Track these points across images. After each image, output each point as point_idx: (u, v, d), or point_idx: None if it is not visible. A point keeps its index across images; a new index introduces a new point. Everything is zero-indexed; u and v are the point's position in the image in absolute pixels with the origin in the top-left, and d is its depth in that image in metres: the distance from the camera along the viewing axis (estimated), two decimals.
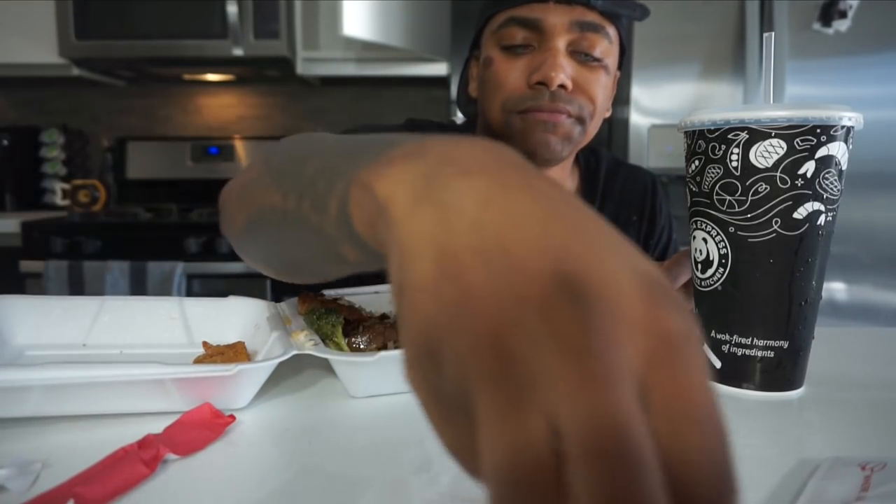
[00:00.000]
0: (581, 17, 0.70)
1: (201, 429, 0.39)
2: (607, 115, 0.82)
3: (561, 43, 0.71)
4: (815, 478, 0.34)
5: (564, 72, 0.70)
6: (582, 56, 0.72)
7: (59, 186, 2.37)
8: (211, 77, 2.49)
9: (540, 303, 0.16)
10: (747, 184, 0.45)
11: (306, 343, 0.47)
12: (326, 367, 0.52)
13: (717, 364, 0.49)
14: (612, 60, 0.74)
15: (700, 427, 0.16)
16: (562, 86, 0.70)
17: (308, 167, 0.33)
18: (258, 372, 0.44)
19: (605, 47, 0.72)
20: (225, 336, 0.55)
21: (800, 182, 0.44)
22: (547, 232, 0.18)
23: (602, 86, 0.73)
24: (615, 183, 0.88)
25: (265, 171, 0.40)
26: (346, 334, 0.51)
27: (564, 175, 0.84)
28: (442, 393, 0.18)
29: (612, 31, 0.73)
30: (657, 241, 0.88)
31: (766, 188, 0.45)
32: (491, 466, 0.15)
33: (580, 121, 0.73)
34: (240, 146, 2.46)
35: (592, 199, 0.86)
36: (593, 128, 0.76)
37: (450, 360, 0.17)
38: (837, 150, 0.44)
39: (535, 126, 0.72)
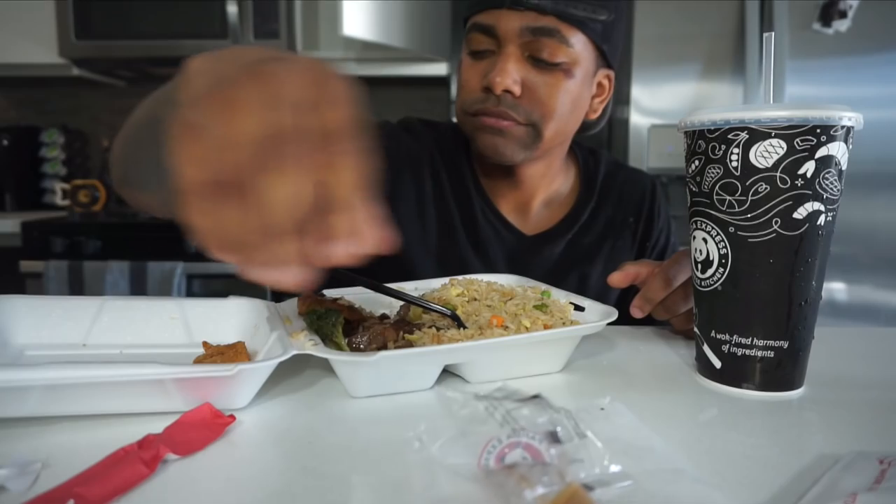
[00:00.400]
0: (533, 23, 0.71)
1: (201, 429, 0.39)
2: (593, 115, 0.82)
3: (513, 48, 0.72)
4: (833, 469, 0.34)
5: (511, 77, 0.71)
6: (538, 61, 0.72)
7: (59, 186, 2.37)
8: None
9: (245, 79, 0.26)
10: (747, 184, 0.45)
11: (306, 343, 0.47)
12: (326, 367, 0.52)
13: (718, 364, 0.49)
14: (580, 64, 0.74)
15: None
16: (508, 91, 0.72)
17: (159, 92, 0.44)
18: (258, 372, 0.44)
19: (566, 52, 0.72)
20: (225, 336, 0.55)
21: (800, 182, 0.44)
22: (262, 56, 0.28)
23: (562, 91, 0.73)
24: (614, 184, 0.89)
25: (139, 108, 0.48)
26: (346, 334, 0.51)
27: (552, 173, 0.85)
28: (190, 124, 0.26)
29: (574, 35, 0.72)
30: (654, 244, 0.88)
31: (766, 188, 0.45)
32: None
33: (532, 126, 0.74)
34: None
35: (589, 197, 0.87)
36: (553, 131, 0.75)
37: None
38: (837, 150, 0.44)
39: (481, 129, 0.75)
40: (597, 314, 0.56)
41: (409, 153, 0.82)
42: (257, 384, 0.45)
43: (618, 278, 0.61)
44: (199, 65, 0.31)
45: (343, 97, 0.28)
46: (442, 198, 0.82)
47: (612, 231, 0.86)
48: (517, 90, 0.72)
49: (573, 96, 0.75)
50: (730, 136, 0.46)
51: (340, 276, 0.58)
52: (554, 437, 0.32)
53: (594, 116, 0.82)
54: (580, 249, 0.84)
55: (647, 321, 0.86)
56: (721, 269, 0.48)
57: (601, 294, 0.84)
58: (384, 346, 0.50)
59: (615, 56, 0.79)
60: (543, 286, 0.62)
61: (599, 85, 0.80)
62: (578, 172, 0.89)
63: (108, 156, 0.56)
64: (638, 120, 1.87)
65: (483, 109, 0.73)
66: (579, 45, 0.73)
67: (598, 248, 0.85)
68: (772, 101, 0.48)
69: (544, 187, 0.85)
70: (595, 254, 0.85)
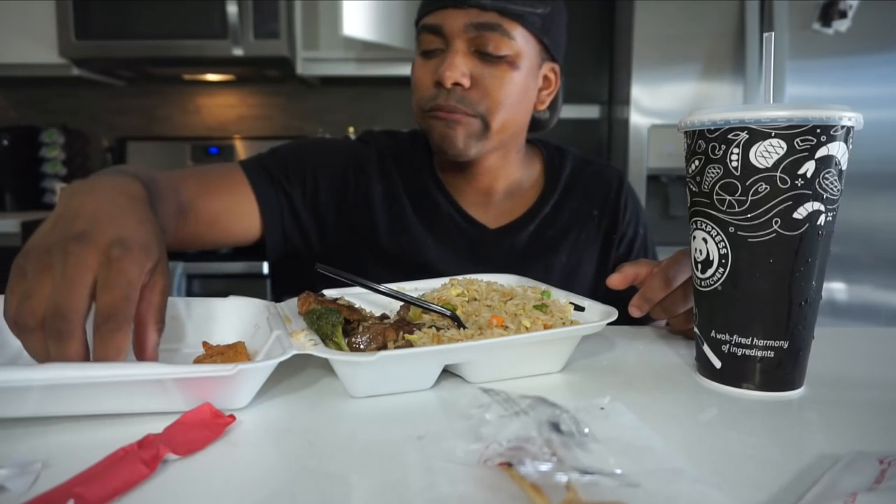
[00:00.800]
0: (476, 19, 0.76)
1: (201, 429, 0.39)
2: (541, 107, 0.86)
3: (459, 44, 0.77)
4: (833, 469, 0.34)
5: (459, 70, 0.76)
6: (484, 55, 0.77)
7: (59, 186, 2.37)
8: (211, 77, 2.49)
9: (66, 241, 0.41)
10: (747, 184, 0.45)
11: (306, 343, 0.47)
12: (326, 367, 0.52)
13: (718, 364, 0.49)
14: (525, 57, 0.79)
15: (100, 306, 0.39)
16: (458, 84, 0.77)
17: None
18: (258, 372, 0.44)
19: (509, 45, 0.77)
20: (225, 336, 0.55)
21: (800, 182, 0.44)
22: (77, 223, 0.43)
23: (508, 81, 0.78)
24: (580, 178, 0.93)
25: None
26: (346, 334, 0.51)
27: (509, 165, 0.88)
28: (21, 276, 0.41)
29: (515, 29, 0.77)
30: (621, 235, 0.91)
31: (766, 188, 0.45)
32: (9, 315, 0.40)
33: (479, 117, 0.78)
34: (240, 146, 2.46)
35: (552, 191, 0.91)
36: (501, 121, 0.80)
37: (32, 261, 0.41)
38: (837, 150, 0.44)
39: (437, 124, 0.79)
40: (597, 314, 0.56)
41: (358, 160, 0.88)
42: (257, 384, 0.45)
43: (616, 280, 0.62)
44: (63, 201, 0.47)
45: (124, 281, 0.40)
46: (394, 198, 0.87)
47: (576, 223, 0.90)
48: (466, 82, 0.77)
49: (519, 87, 0.80)
50: (730, 136, 0.46)
51: (337, 276, 0.58)
52: (556, 428, 0.32)
53: (542, 108, 0.87)
54: (544, 241, 0.88)
55: (646, 320, 0.87)
56: (721, 269, 0.48)
57: (566, 285, 0.86)
58: (384, 346, 0.49)
59: (558, 50, 0.84)
60: (543, 286, 0.62)
61: (546, 78, 0.85)
62: (543, 167, 0.93)
63: None
64: (638, 120, 1.87)
65: (436, 105, 0.78)
66: (521, 39, 0.78)
67: (562, 239, 0.89)
68: (772, 101, 0.48)
69: (503, 179, 0.89)
70: (559, 245, 0.88)
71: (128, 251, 0.41)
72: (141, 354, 0.44)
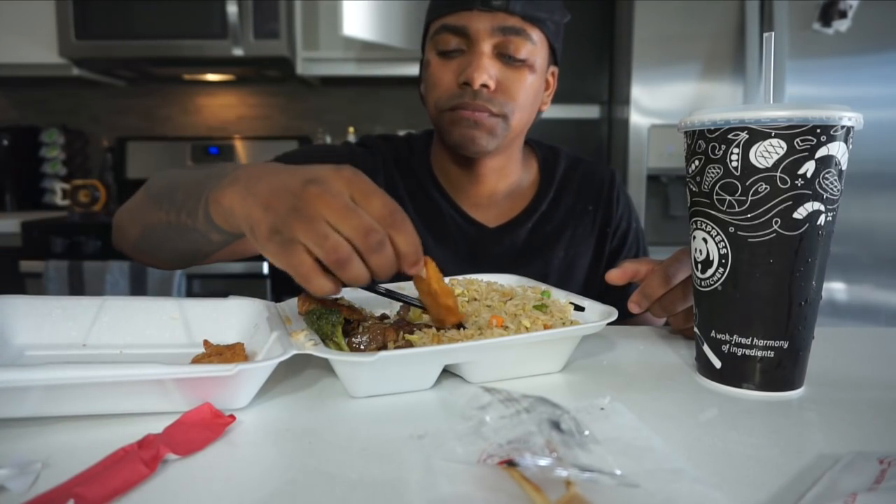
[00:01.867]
0: (503, 23, 0.78)
1: (201, 429, 0.39)
2: (544, 108, 0.90)
3: (486, 46, 0.78)
4: (832, 469, 0.34)
5: (487, 73, 0.78)
6: (507, 58, 0.79)
7: (59, 186, 2.37)
8: (211, 77, 2.49)
9: (301, 189, 0.43)
10: (747, 184, 0.45)
11: (306, 343, 0.47)
12: (326, 367, 0.52)
13: (718, 364, 0.49)
14: (539, 60, 0.82)
15: (377, 210, 0.43)
16: (484, 85, 0.78)
17: (177, 193, 0.57)
18: (258, 372, 0.44)
19: (529, 49, 0.79)
20: (225, 336, 0.56)
21: (800, 182, 0.44)
22: (293, 176, 0.44)
23: (527, 84, 0.81)
24: (574, 176, 0.95)
25: (148, 199, 0.63)
26: (346, 334, 0.51)
27: (513, 166, 0.91)
28: (278, 244, 0.43)
29: (535, 33, 0.80)
30: (615, 229, 0.94)
31: (766, 188, 0.45)
32: (294, 262, 0.42)
33: (503, 117, 0.81)
34: (240, 146, 2.46)
35: (548, 189, 0.93)
36: (518, 122, 0.83)
37: (282, 228, 0.42)
38: (837, 150, 0.44)
39: (459, 122, 0.80)
40: (597, 314, 0.56)
41: (366, 167, 0.89)
42: (257, 384, 0.45)
43: (616, 275, 0.62)
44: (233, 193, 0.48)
45: (374, 189, 0.44)
46: (399, 201, 0.88)
47: (571, 219, 0.92)
48: (493, 84, 0.79)
49: (535, 89, 0.83)
50: (730, 136, 0.46)
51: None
52: (557, 427, 0.32)
53: (545, 109, 0.90)
54: (541, 237, 0.90)
55: (645, 321, 0.87)
56: (721, 269, 0.48)
57: (563, 279, 0.90)
58: (384, 346, 0.50)
59: (559, 54, 0.87)
60: (543, 286, 0.62)
61: (546, 80, 0.88)
62: (538, 166, 0.96)
63: (115, 223, 0.73)
64: (638, 120, 1.87)
65: (462, 104, 0.79)
66: (539, 43, 0.81)
67: (559, 235, 0.91)
68: (772, 101, 0.48)
69: (503, 181, 0.91)
70: (556, 240, 0.91)
71: (353, 170, 0.45)
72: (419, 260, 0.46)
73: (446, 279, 0.63)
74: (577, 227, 0.92)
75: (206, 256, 0.65)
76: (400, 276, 0.46)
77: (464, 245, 0.88)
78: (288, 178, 0.44)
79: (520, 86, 0.80)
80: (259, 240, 0.44)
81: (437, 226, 0.88)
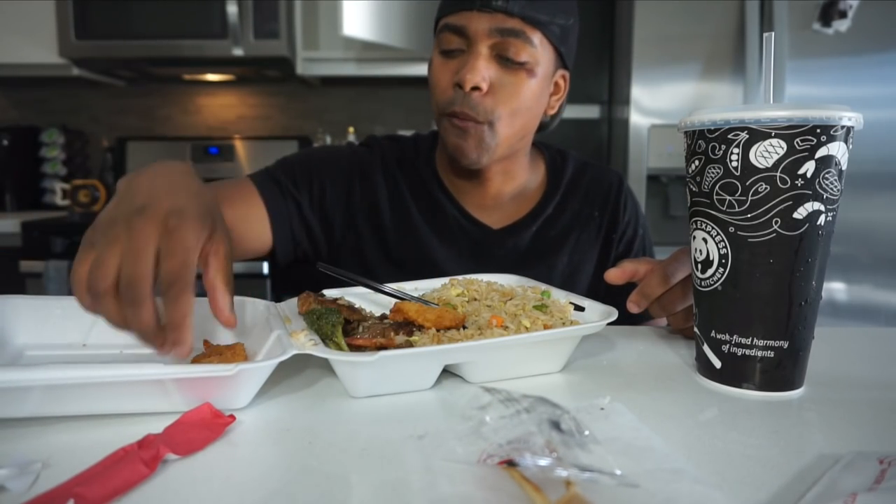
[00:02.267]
0: (502, 24, 0.76)
1: (201, 429, 0.39)
2: (550, 111, 0.88)
3: (483, 48, 0.77)
4: (832, 469, 0.34)
5: (480, 74, 0.76)
6: (505, 60, 0.78)
7: (59, 186, 2.37)
8: (211, 77, 2.49)
9: (133, 212, 0.43)
10: (747, 184, 0.45)
11: (306, 343, 0.47)
12: (326, 367, 0.52)
13: (718, 364, 0.49)
14: (542, 64, 0.80)
15: (164, 272, 0.42)
16: (476, 88, 0.77)
17: None
18: (258, 372, 0.44)
19: (530, 52, 0.78)
20: (225, 336, 0.55)
21: (800, 182, 0.44)
22: (142, 198, 0.45)
23: (524, 88, 0.79)
24: (581, 181, 0.94)
25: None
26: (346, 334, 0.51)
27: (519, 168, 0.90)
28: (87, 240, 0.44)
29: (536, 36, 0.78)
30: (621, 235, 0.93)
31: (766, 188, 0.45)
32: (79, 279, 0.43)
33: (488, 124, 0.79)
34: (240, 146, 2.46)
35: (554, 192, 0.92)
36: (507, 129, 0.80)
37: (99, 234, 0.43)
38: (837, 150, 0.44)
39: (451, 131, 0.80)
40: (597, 314, 0.56)
41: (362, 166, 0.90)
42: (257, 384, 0.45)
43: (615, 274, 0.62)
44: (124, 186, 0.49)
45: (182, 250, 0.43)
46: (400, 201, 0.89)
47: (577, 224, 0.91)
48: (485, 86, 0.77)
49: (534, 94, 0.81)
50: (730, 136, 0.46)
51: (337, 276, 0.58)
52: (557, 427, 0.32)
53: (551, 113, 0.88)
54: (546, 241, 0.90)
55: (645, 320, 0.87)
56: (721, 269, 0.48)
57: (567, 284, 0.89)
58: (384, 346, 0.49)
59: (571, 58, 0.86)
60: (543, 286, 0.62)
61: (556, 84, 0.86)
62: (546, 169, 0.95)
63: None
64: (638, 120, 1.87)
65: (453, 111, 0.79)
66: (540, 46, 0.79)
67: (564, 239, 0.90)
68: (772, 101, 0.48)
69: (509, 183, 0.90)
70: (561, 245, 0.90)
71: (183, 220, 0.44)
72: (220, 316, 0.47)
73: (446, 279, 0.63)
74: (583, 232, 0.91)
75: None
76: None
77: (467, 246, 0.88)
78: (137, 195, 0.46)
79: (515, 89, 0.78)
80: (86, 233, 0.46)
81: (440, 226, 0.88)
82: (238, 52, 2.09)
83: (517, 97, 0.79)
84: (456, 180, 0.90)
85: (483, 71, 0.77)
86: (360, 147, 0.94)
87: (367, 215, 0.88)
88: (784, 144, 0.44)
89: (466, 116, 0.78)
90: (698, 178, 0.49)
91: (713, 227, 0.48)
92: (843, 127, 0.44)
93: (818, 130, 0.44)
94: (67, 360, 0.51)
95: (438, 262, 0.86)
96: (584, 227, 0.91)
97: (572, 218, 0.91)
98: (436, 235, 0.87)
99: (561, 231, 0.90)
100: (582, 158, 0.98)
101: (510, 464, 0.30)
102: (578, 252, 0.90)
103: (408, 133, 1.00)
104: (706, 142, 0.47)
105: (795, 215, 0.45)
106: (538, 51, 0.79)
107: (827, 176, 0.45)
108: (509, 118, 0.80)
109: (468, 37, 0.78)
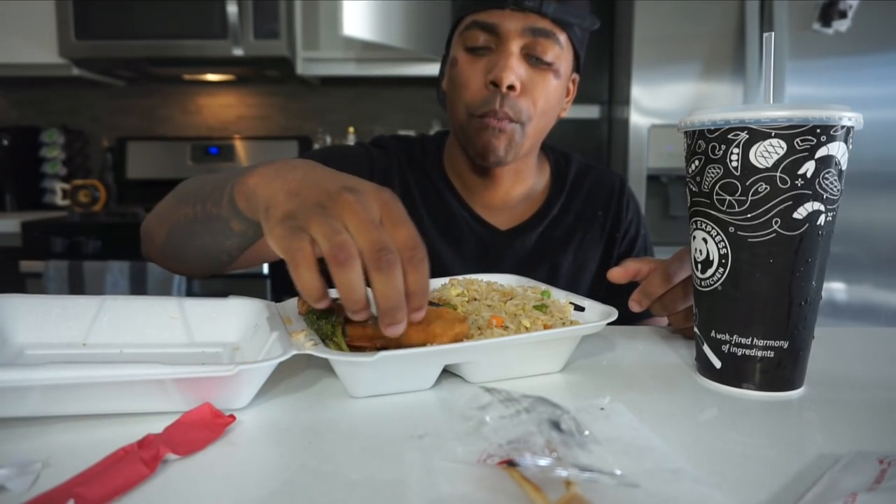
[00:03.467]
0: (534, 24, 0.77)
1: (201, 429, 0.39)
2: (563, 114, 0.89)
3: (514, 46, 0.78)
4: (832, 469, 0.34)
5: (515, 73, 0.77)
6: (534, 60, 0.79)
7: (59, 186, 2.37)
8: (211, 77, 2.49)
9: (336, 191, 0.43)
10: (747, 184, 0.45)
11: (306, 343, 0.47)
12: (326, 367, 0.52)
13: (718, 364, 0.49)
14: (564, 65, 0.81)
15: (402, 240, 0.42)
16: (511, 87, 0.77)
17: (205, 187, 0.57)
18: (258, 372, 0.44)
19: (557, 52, 0.79)
20: (225, 336, 0.56)
21: (800, 182, 0.44)
22: (333, 178, 0.45)
23: (549, 88, 0.81)
24: (584, 182, 0.95)
25: (175, 199, 0.64)
26: (346, 334, 0.51)
27: (529, 170, 0.91)
28: (289, 227, 0.42)
29: (562, 37, 0.79)
30: (623, 234, 0.94)
31: (766, 188, 0.45)
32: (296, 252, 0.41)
33: (521, 124, 0.80)
34: (240, 146, 2.46)
35: (559, 193, 0.93)
36: (535, 128, 0.82)
37: (298, 215, 0.42)
38: (837, 150, 0.44)
39: (485, 131, 0.80)
40: (597, 314, 0.56)
41: (381, 167, 0.90)
42: (257, 384, 0.45)
43: (618, 273, 0.63)
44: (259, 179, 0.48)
45: (406, 220, 0.43)
46: (411, 203, 0.89)
47: (581, 224, 0.92)
48: (519, 86, 0.78)
49: (557, 94, 0.83)
50: (730, 136, 0.46)
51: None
52: (557, 427, 0.32)
53: (564, 115, 0.89)
54: (551, 241, 0.90)
55: (645, 319, 0.87)
56: (721, 269, 0.48)
57: (572, 283, 0.90)
58: (384, 346, 0.49)
59: (581, 62, 0.87)
60: (543, 286, 0.62)
61: (567, 87, 0.87)
62: (550, 171, 0.96)
63: (143, 231, 0.72)
64: (638, 120, 1.87)
65: (491, 111, 0.78)
66: (566, 47, 0.81)
67: (569, 239, 0.91)
68: (772, 101, 0.48)
69: (518, 185, 0.91)
70: (565, 245, 0.90)
71: (392, 195, 0.44)
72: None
73: (446, 279, 0.63)
74: (587, 231, 0.92)
75: (229, 255, 0.61)
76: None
77: (475, 247, 0.88)
78: (325, 177, 0.44)
79: (543, 89, 0.79)
80: (270, 219, 0.43)
81: (448, 227, 0.88)
82: (238, 52, 2.09)
83: (545, 97, 0.80)
84: (467, 181, 0.90)
85: (518, 69, 0.77)
86: (374, 148, 0.93)
87: None
88: (784, 144, 0.44)
89: (505, 116, 0.78)
90: (698, 178, 0.49)
91: (713, 227, 0.48)
92: (843, 127, 0.44)
93: (818, 130, 0.44)
94: (67, 359, 0.51)
95: (447, 264, 0.86)
96: (588, 227, 0.92)
97: (576, 218, 0.92)
98: (444, 236, 0.88)
99: (565, 231, 0.91)
100: (584, 161, 0.99)
101: (510, 464, 0.30)
102: (583, 251, 0.91)
103: (408, 133, 1.00)
104: (706, 142, 0.47)
105: (795, 215, 0.45)
106: (563, 52, 0.80)
107: (827, 176, 0.45)
108: (538, 118, 0.81)
109: (499, 35, 0.78)
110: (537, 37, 0.77)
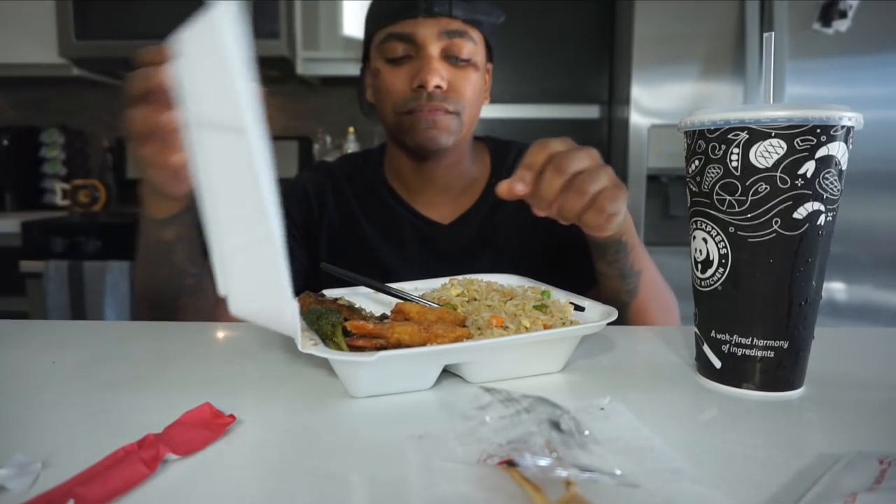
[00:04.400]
0: (447, 27, 0.84)
1: (201, 429, 0.39)
2: (485, 102, 0.95)
3: (434, 50, 0.84)
4: (832, 469, 0.34)
5: (439, 75, 0.83)
6: (454, 59, 0.85)
7: (59, 186, 2.37)
8: None
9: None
10: (747, 184, 0.45)
11: (306, 343, 0.47)
12: (326, 367, 0.52)
13: (718, 364, 0.49)
14: (479, 58, 0.88)
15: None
16: (438, 87, 0.84)
17: (139, 245, 0.69)
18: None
19: (472, 48, 0.86)
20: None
21: (800, 182, 0.44)
22: None
23: (472, 82, 0.87)
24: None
25: (138, 269, 0.73)
26: (346, 334, 0.51)
27: (464, 161, 0.95)
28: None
29: (475, 34, 0.87)
30: None
31: (766, 188, 0.45)
32: None
33: (457, 114, 0.87)
34: None
35: (499, 179, 0.94)
36: (468, 117, 0.89)
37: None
38: (837, 150, 0.44)
39: (418, 123, 0.85)
40: (597, 314, 0.56)
41: (315, 191, 0.96)
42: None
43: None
44: None
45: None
46: (348, 211, 0.94)
47: (522, 205, 0.93)
48: (445, 85, 0.84)
49: (479, 86, 0.89)
50: (730, 136, 0.46)
51: (340, 276, 0.58)
52: (557, 427, 0.32)
53: (486, 103, 0.95)
54: (494, 227, 0.94)
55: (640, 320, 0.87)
56: (721, 269, 0.48)
57: (518, 266, 0.90)
58: (384, 347, 0.49)
59: (494, 52, 0.94)
60: (543, 286, 0.62)
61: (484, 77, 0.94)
62: (490, 159, 1.00)
63: (136, 295, 0.78)
64: (638, 120, 1.87)
65: (418, 107, 0.84)
66: (479, 43, 0.88)
67: (511, 223, 0.94)
68: (772, 101, 0.48)
69: (456, 178, 0.95)
70: (509, 229, 0.93)
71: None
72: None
73: (446, 279, 0.63)
74: (527, 211, 0.93)
75: (189, 274, 0.71)
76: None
77: (419, 243, 0.92)
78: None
79: (467, 84, 0.86)
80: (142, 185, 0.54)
81: (391, 228, 0.93)
82: None
83: (468, 91, 0.87)
84: (408, 182, 0.95)
85: (441, 71, 0.83)
86: (307, 173, 1.00)
87: (325, 235, 0.94)
88: (784, 144, 0.44)
89: (435, 107, 0.84)
90: (698, 178, 0.49)
91: (713, 227, 0.48)
92: (843, 127, 0.44)
93: (818, 130, 0.44)
94: None
95: (387, 263, 0.91)
96: (528, 207, 0.93)
97: (518, 201, 0.93)
98: (386, 238, 0.92)
99: (509, 215, 0.93)
100: (522, 145, 1.01)
101: (510, 464, 0.30)
102: (526, 232, 0.93)
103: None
104: (706, 142, 0.47)
105: (795, 215, 0.45)
106: (478, 47, 0.87)
107: (827, 176, 0.45)
108: (469, 108, 0.88)
109: (417, 43, 0.84)
110: (453, 38, 0.83)
